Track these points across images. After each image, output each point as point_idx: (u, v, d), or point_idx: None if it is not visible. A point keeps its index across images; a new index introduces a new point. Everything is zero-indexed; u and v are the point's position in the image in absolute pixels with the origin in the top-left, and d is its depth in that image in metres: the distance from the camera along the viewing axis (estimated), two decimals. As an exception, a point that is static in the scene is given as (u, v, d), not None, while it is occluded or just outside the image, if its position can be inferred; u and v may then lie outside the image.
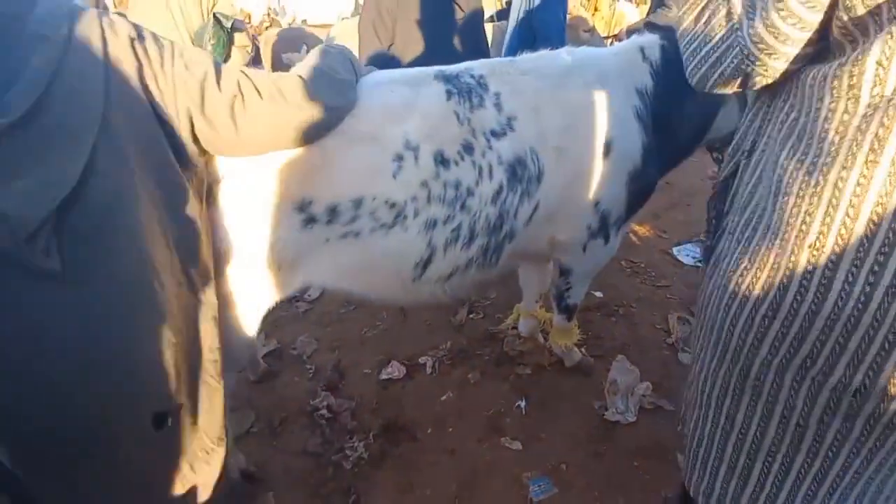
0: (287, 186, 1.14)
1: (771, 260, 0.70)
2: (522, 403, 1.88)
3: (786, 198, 0.68)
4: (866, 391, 0.65)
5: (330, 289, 1.36)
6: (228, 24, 2.84)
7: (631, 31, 3.28)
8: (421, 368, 2.08)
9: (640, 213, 2.24)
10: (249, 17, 9.21)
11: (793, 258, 0.67)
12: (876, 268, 0.60)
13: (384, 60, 2.11)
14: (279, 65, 5.40)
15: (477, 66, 1.37)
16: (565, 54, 1.45)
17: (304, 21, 11.41)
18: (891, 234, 0.59)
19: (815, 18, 0.62)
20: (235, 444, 1.56)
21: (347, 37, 3.70)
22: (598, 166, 1.45)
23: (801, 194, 0.66)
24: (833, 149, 0.62)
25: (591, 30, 2.76)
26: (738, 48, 0.68)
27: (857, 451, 0.72)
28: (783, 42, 0.64)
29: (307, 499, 1.54)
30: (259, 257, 1.18)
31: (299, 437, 1.75)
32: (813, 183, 0.64)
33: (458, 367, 2.08)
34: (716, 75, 0.73)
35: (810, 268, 0.65)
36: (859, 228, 0.60)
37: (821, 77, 0.64)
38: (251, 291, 1.22)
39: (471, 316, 2.39)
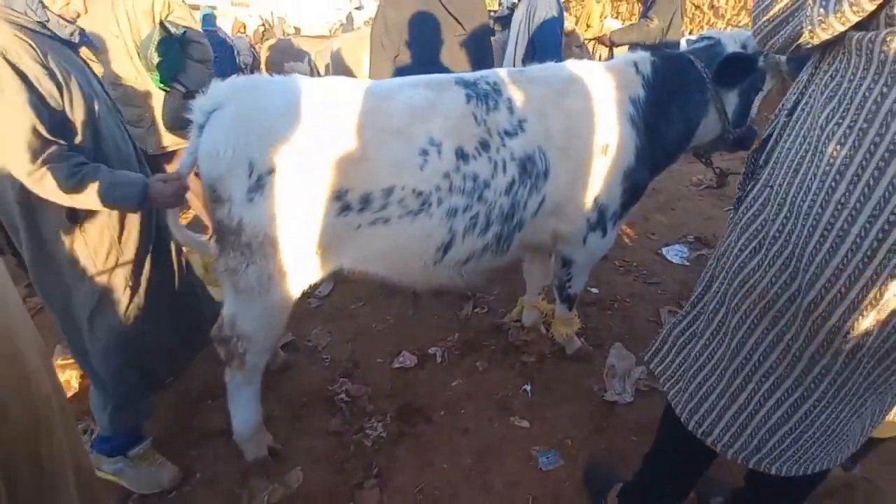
0: (329, 178, 1.28)
1: (804, 210, 0.81)
2: (528, 387, 2.01)
3: (821, 156, 0.79)
4: (851, 333, 0.80)
5: (358, 271, 1.49)
6: (179, 33, 2.44)
7: (613, 42, 3.54)
8: (431, 358, 2.20)
9: (631, 216, 2.40)
10: (244, 27, 9.46)
11: (819, 210, 0.79)
12: (886, 227, 0.72)
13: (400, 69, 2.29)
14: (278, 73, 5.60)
15: (491, 74, 1.54)
16: (569, 66, 1.63)
17: (296, 29, 11.69)
18: (888, 196, 0.71)
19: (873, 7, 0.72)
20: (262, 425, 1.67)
21: (353, 48, 3.89)
22: (597, 165, 1.61)
23: (834, 154, 0.77)
24: (870, 116, 0.72)
25: (582, 45, 2.97)
26: (799, 21, 0.80)
27: (833, 382, 0.88)
28: (843, 24, 0.76)
29: (332, 474, 1.64)
30: (301, 241, 1.31)
31: (320, 420, 1.85)
32: (848, 146, 0.75)
33: (467, 356, 2.21)
34: (775, 38, 0.85)
35: (832, 220, 0.77)
36: (879, 191, 0.72)
37: (867, 42, 0.73)
38: (293, 271, 1.35)
39: (476, 310, 2.53)
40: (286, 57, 6.05)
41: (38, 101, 1.18)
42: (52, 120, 1.21)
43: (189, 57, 2.52)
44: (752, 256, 0.92)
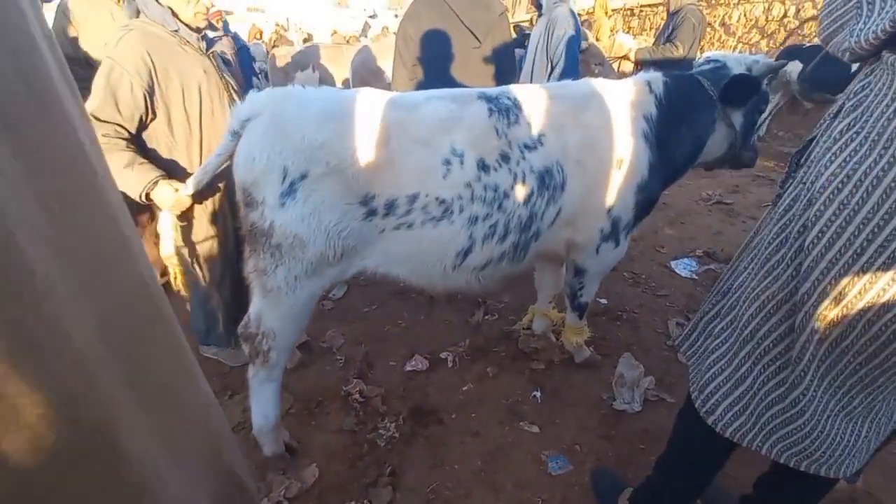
0: (357, 184, 1.35)
1: (816, 207, 0.87)
2: (537, 393, 2.06)
3: (833, 158, 0.87)
4: (836, 324, 0.85)
5: (380, 273, 1.55)
6: None
7: (638, 63, 3.68)
8: (442, 362, 2.25)
9: (641, 230, 2.44)
10: (261, 34, 9.72)
11: (822, 207, 0.86)
12: (876, 229, 0.80)
13: (420, 83, 2.37)
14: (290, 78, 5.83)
15: (512, 89, 1.61)
16: (586, 83, 1.69)
17: (309, 35, 11.92)
18: (881, 201, 0.79)
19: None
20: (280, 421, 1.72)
21: (383, 56, 4.00)
22: (612, 178, 1.67)
23: (846, 159, 0.84)
24: (881, 130, 0.80)
25: (602, 62, 3.06)
26: (848, 35, 0.88)
27: (817, 370, 0.94)
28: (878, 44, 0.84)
29: (346, 470, 1.69)
30: (328, 244, 1.38)
31: (335, 418, 1.91)
32: (861, 152, 0.82)
33: (477, 361, 2.25)
34: (833, 41, 0.93)
35: (834, 217, 0.84)
36: (875, 195, 0.80)
37: (893, 61, 0.80)
38: (320, 272, 1.41)
39: (486, 317, 2.58)
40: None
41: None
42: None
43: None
44: (777, 249, 0.98)
